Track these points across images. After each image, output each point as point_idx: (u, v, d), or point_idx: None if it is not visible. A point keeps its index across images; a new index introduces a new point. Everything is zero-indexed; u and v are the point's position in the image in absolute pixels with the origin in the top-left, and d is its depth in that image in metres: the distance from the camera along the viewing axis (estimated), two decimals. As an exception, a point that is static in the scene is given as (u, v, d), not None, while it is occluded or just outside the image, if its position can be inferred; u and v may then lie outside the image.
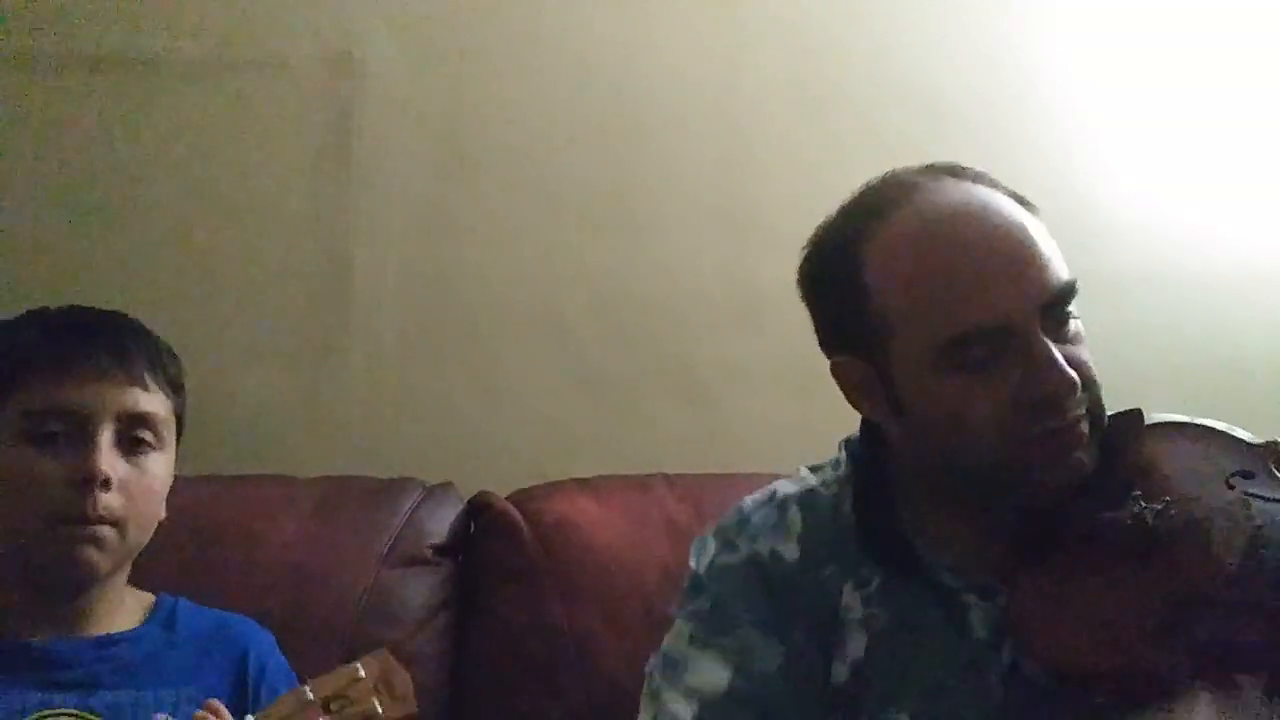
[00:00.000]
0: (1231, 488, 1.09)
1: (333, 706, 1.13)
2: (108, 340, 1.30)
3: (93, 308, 1.37)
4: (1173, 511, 1.06)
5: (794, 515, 1.19)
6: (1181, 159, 1.98)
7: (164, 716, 1.13)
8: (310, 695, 1.13)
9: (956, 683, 1.11)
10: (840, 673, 1.13)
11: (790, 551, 1.17)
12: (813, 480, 1.23)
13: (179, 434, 1.37)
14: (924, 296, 1.09)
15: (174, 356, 1.37)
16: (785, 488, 1.23)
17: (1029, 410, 1.07)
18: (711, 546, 1.20)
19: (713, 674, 1.12)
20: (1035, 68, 1.97)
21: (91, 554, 1.26)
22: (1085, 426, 1.09)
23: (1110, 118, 1.98)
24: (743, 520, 1.21)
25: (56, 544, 1.25)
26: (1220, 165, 1.98)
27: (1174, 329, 1.96)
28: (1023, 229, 1.11)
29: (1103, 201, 1.95)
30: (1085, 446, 1.09)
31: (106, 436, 1.26)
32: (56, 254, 1.81)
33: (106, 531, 1.26)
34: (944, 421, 1.10)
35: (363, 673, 1.14)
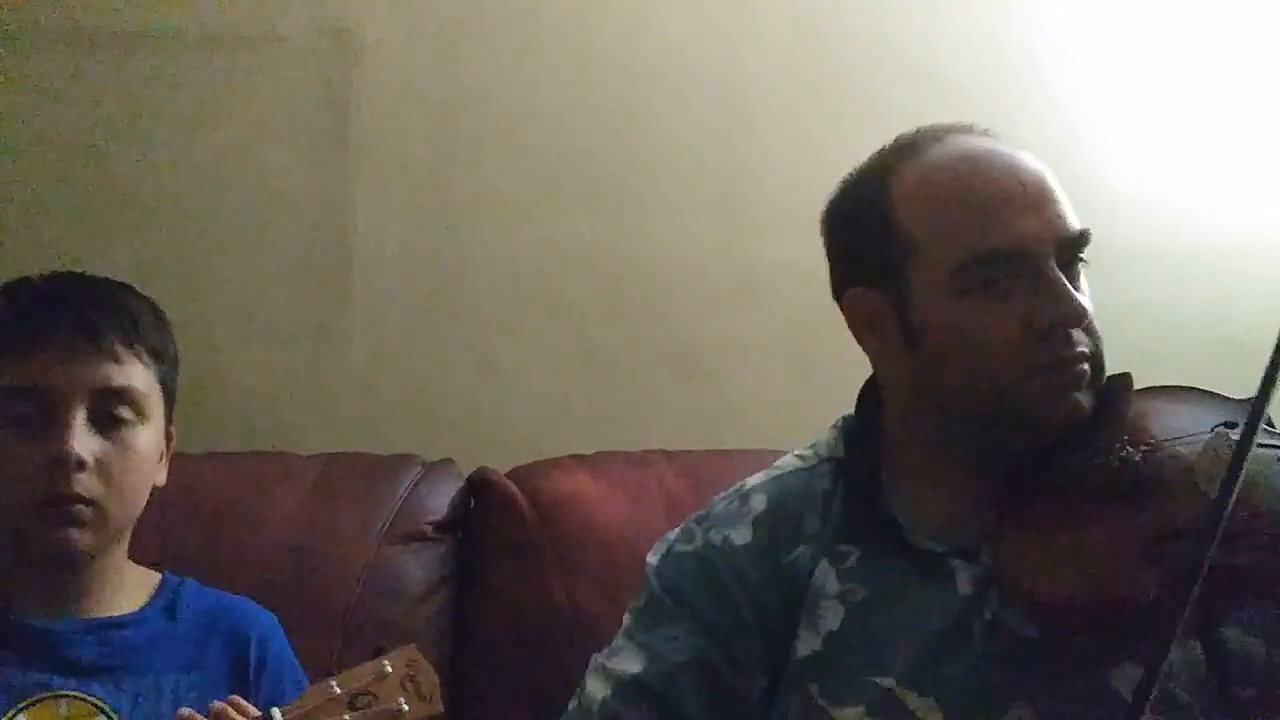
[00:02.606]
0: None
1: (358, 703, 1.13)
2: (74, 313, 1.25)
3: (72, 274, 1.32)
4: (1156, 453, 1.10)
5: (756, 501, 1.23)
6: (1182, 134, 1.97)
7: (189, 712, 1.12)
8: (336, 690, 1.13)
9: (941, 644, 1.13)
10: (811, 643, 1.15)
11: (741, 536, 1.21)
12: (790, 464, 1.26)
13: (170, 402, 1.33)
14: (948, 216, 1.15)
15: (158, 320, 1.32)
16: (754, 479, 1.27)
17: (1039, 335, 1.11)
18: (671, 537, 1.25)
19: (629, 663, 1.18)
20: (1036, 44, 1.97)
21: (73, 534, 1.23)
22: (1086, 368, 1.13)
23: (1110, 92, 1.97)
24: (707, 513, 1.26)
25: (38, 527, 1.23)
26: (1220, 140, 1.97)
27: (1174, 304, 1.96)
28: (1045, 173, 1.17)
29: (1103, 176, 1.94)
30: (1085, 389, 1.13)
31: (79, 415, 1.22)
32: (53, 232, 1.81)
33: (85, 511, 1.23)
34: (957, 345, 1.14)
35: (389, 669, 1.15)
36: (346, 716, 1.12)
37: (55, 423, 1.22)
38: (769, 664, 1.16)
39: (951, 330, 1.14)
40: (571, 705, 1.20)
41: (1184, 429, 1.13)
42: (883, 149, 1.23)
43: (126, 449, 1.26)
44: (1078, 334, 1.12)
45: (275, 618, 1.39)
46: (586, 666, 1.21)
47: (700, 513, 1.26)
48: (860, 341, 1.22)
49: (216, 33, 1.84)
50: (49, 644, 1.25)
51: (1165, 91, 1.97)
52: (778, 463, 1.28)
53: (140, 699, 1.26)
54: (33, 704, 1.22)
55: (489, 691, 1.57)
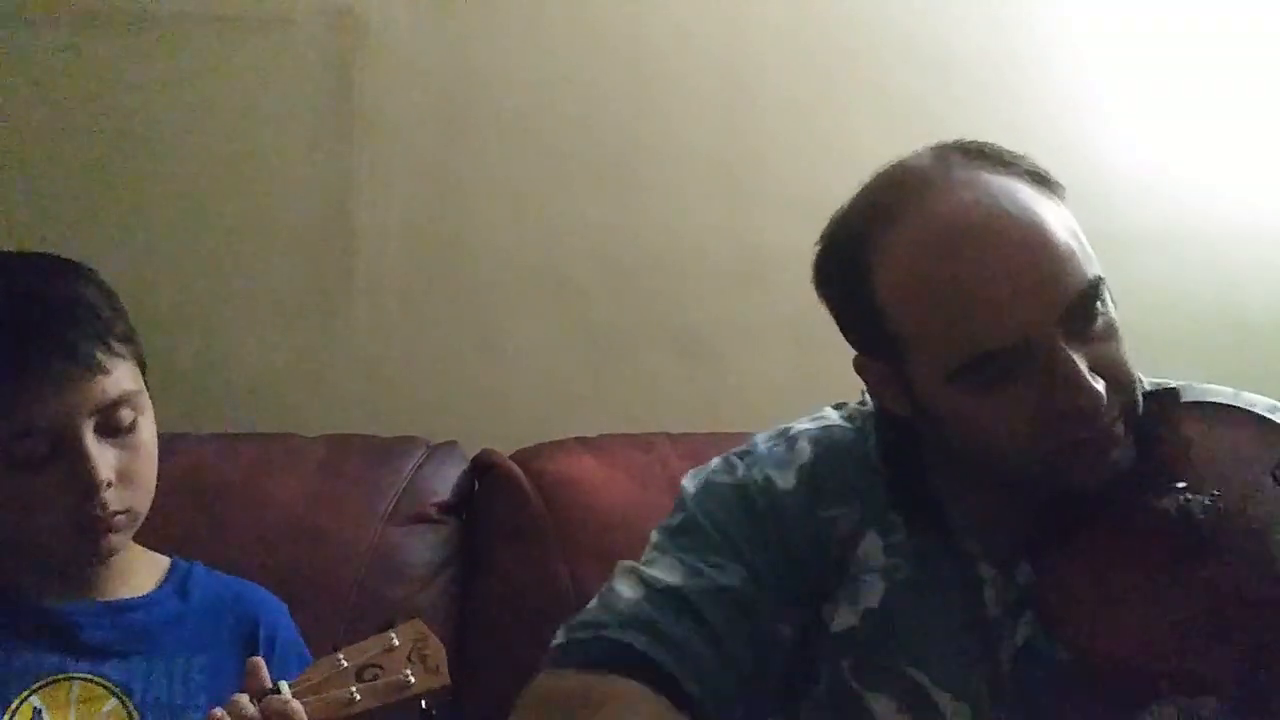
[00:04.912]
0: (1278, 481, 1.05)
1: (365, 675, 1.14)
2: (52, 343, 1.20)
3: (17, 276, 1.25)
4: (1221, 506, 1.02)
5: (803, 448, 1.17)
6: (1189, 118, 1.97)
7: (220, 711, 1.13)
8: (343, 663, 1.14)
9: (967, 650, 1.10)
10: (848, 619, 1.12)
11: (785, 480, 1.15)
12: (834, 417, 1.21)
13: (144, 369, 1.30)
14: (934, 317, 1.04)
15: (110, 299, 1.27)
16: (801, 424, 1.21)
17: (1056, 423, 1.03)
18: (711, 465, 1.20)
19: (666, 573, 1.11)
20: (1041, 25, 1.96)
21: (111, 542, 1.25)
22: (1120, 427, 1.05)
23: (1116, 75, 1.97)
24: (750, 449, 1.20)
25: (76, 544, 1.24)
26: (1228, 124, 1.97)
27: (1181, 289, 1.95)
28: (1039, 231, 1.03)
29: (1109, 160, 1.94)
30: (1120, 445, 1.05)
31: (89, 438, 1.21)
32: (55, 214, 1.81)
33: (121, 520, 1.25)
34: (967, 433, 1.07)
35: (396, 642, 1.15)
36: (353, 688, 1.13)
37: (70, 452, 1.21)
38: (795, 618, 1.12)
39: (961, 421, 1.06)
40: (593, 604, 1.13)
41: (1237, 462, 1.06)
42: (860, 204, 1.12)
43: (137, 448, 1.26)
44: (1099, 409, 1.02)
45: (282, 603, 1.39)
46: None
47: (741, 449, 1.19)
48: (876, 398, 1.17)
49: (221, 14, 1.84)
50: (62, 627, 1.26)
51: (1172, 75, 1.96)
52: (823, 412, 1.22)
53: (152, 680, 1.27)
54: (46, 686, 1.23)
55: (493, 673, 1.57)
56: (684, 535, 1.15)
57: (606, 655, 1.08)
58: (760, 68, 1.93)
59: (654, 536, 1.17)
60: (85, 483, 1.21)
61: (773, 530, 1.13)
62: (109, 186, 1.82)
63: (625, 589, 1.12)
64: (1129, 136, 1.96)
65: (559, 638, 1.13)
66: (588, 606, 1.14)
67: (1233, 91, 1.96)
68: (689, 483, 1.20)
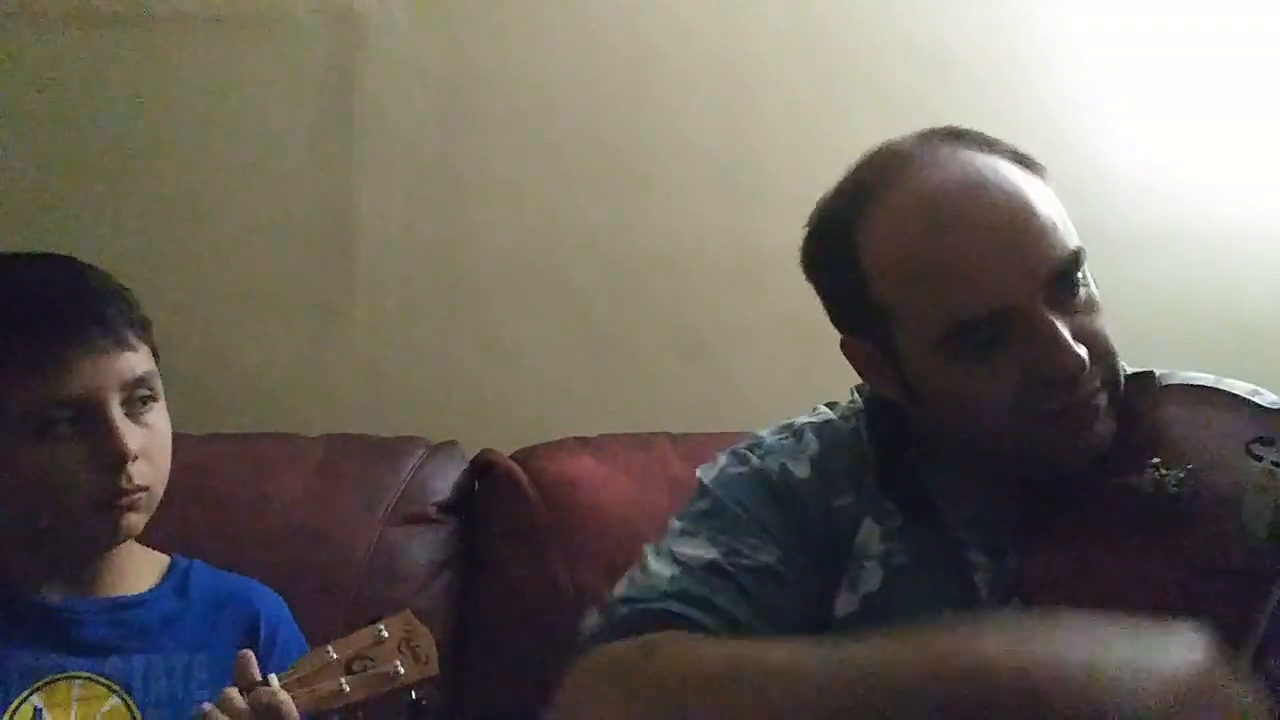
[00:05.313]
0: (1254, 456, 1.05)
1: (355, 667, 1.15)
2: (87, 313, 1.25)
3: (47, 265, 1.30)
4: (1196, 479, 1.03)
5: (809, 439, 1.19)
6: (1187, 116, 1.96)
7: (209, 706, 1.13)
8: (333, 655, 1.15)
9: None
10: (850, 603, 1.13)
11: (801, 469, 1.16)
12: (830, 414, 1.23)
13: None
14: (920, 286, 1.06)
15: (128, 292, 1.32)
16: (802, 419, 1.23)
17: (1040, 389, 1.04)
18: (722, 460, 1.20)
19: (700, 550, 1.11)
20: (1041, 25, 1.96)
21: (132, 520, 1.26)
22: (1102, 399, 1.07)
23: (1116, 75, 1.97)
24: (757, 442, 1.21)
25: (100, 521, 1.25)
26: (1228, 124, 1.97)
27: (1181, 289, 1.95)
28: (1022, 201, 1.06)
29: (1107, 159, 1.94)
30: (1102, 419, 1.07)
31: (117, 412, 1.24)
32: (56, 213, 1.81)
33: (142, 498, 1.26)
34: (954, 405, 1.09)
35: (386, 634, 1.16)
36: (343, 680, 1.14)
37: (98, 424, 1.23)
38: (813, 604, 1.12)
39: (946, 393, 1.08)
40: (623, 585, 1.11)
41: (1213, 438, 1.07)
42: (845, 185, 1.14)
43: (155, 429, 1.28)
44: (1082, 375, 1.04)
45: (281, 598, 1.40)
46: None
47: (749, 442, 1.20)
48: (864, 380, 1.19)
49: (221, 13, 1.84)
50: (62, 625, 1.27)
51: (1172, 75, 1.96)
52: (818, 410, 1.24)
53: (152, 678, 1.28)
54: (46, 685, 1.24)
55: (493, 673, 1.58)
56: (713, 519, 1.14)
57: (652, 623, 1.05)
58: (760, 68, 1.93)
59: (676, 523, 1.16)
60: (114, 454, 1.23)
61: (794, 516, 1.14)
62: (109, 186, 1.83)
63: (661, 567, 1.10)
64: (1129, 136, 1.96)
65: (592, 620, 1.11)
66: (617, 588, 1.12)
67: (1233, 91, 1.96)
68: (704, 473, 1.20)
